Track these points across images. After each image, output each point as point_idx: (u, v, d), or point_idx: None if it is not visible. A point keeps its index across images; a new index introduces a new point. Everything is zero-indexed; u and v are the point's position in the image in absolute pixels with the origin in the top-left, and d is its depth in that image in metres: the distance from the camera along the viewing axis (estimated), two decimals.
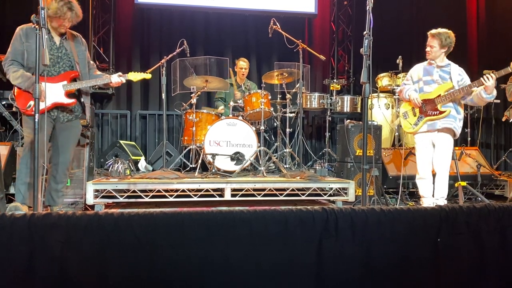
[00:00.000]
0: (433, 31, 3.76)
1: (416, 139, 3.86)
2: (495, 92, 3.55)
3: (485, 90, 3.51)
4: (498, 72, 3.51)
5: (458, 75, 3.70)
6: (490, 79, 3.45)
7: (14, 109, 3.21)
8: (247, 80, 5.93)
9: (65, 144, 3.37)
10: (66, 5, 3.12)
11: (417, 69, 3.89)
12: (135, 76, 3.56)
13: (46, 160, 3.22)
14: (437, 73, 3.75)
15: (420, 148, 3.81)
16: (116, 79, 3.43)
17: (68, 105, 3.29)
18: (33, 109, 3.08)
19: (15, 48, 3.14)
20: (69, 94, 3.25)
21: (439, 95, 3.67)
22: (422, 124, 3.76)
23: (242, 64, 5.80)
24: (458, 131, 3.73)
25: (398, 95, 4.05)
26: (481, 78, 3.49)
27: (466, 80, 3.69)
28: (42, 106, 3.11)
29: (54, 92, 3.18)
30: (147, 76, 3.66)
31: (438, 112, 3.68)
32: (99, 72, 3.55)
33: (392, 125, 5.50)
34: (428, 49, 3.77)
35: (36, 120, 2.54)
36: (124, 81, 3.47)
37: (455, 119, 3.68)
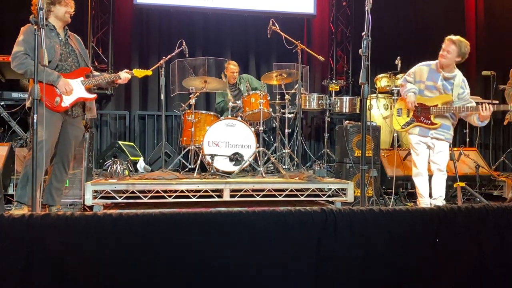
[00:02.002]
0: (454, 37, 3.62)
1: (411, 138, 3.87)
2: (487, 121, 3.63)
3: (479, 118, 3.58)
4: (497, 106, 3.62)
5: (460, 88, 3.70)
6: (487, 110, 3.49)
7: (28, 104, 3.13)
8: (239, 77, 5.89)
9: (71, 142, 3.39)
10: None
11: (422, 70, 3.78)
12: (140, 73, 3.78)
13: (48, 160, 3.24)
14: (441, 81, 3.69)
15: (415, 146, 3.82)
16: (124, 75, 3.56)
17: (91, 100, 3.39)
18: (61, 105, 3.15)
19: (28, 42, 3.03)
20: (88, 89, 3.35)
21: (436, 105, 3.70)
22: (411, 127, 3.81)
23: (233, 68, 5.76)
24: (450, 139, 3.77)
25: (399, 89, 4.07)
26: (479, 107, 3.53)
27: (467, 93, 3.72)
28: (67, 102, 3.22)
29: (76, 88, 3.27)
30: (149, 72, 3.90)
31: (430, 122, 3.72)
32: (96, 73, 3.58)
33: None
34: (444, 53, 3.62)
35: (35, 120, 2.54)
36: (129, 77, 3.62)
37: (448, 130, 3.73)
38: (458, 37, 3.63)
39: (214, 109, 6.11)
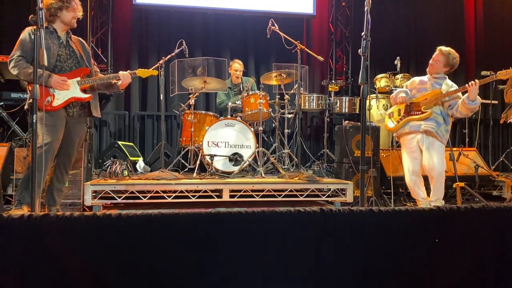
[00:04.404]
0: (444, 48, 3.78)
1: (402, 141, 3.87)
2: (479, 99, 3.60)
3: (468, 97, 3.55)
4: (483, 79, 3.61)
5: (451, 86, 3.75)
6: (473, 85, 3.51)
7: (26, 106, 3.20)
8: (243, 78, 5.91)
9: (74, 142, 3.38)
10: None
11: (414, 80, 3.97)
12: (144, 73, 3.69)
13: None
14: (430, 82, 3.81)
15: (406, 150, 3.82)
16: (125, 74, 3.50)
17: (85, 100, 3.35)
18: (52, 104, 3.14)
19: (24, 46, 3.12)
20: (84, 90, 3.32)
21: (426, 99, 3.73)
22: (403, 123, 3.79)
23: (237, 66, 5.76)
24: (442, 138, 3.68)
25: (391, 101, 4.09)
26: (466, 84, 3.56)
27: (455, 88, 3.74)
28: (58, 102, 3.20)
29: (71, 88, 3.25)
30: (154, 72, 3.80)
31: (420, 112, 3.72)
32: (101, 75, 3.57)
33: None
34: (433, 62, 3.79)
35: (35, 121, 2.54)
36: (130, 76, 3.56)
37: (438, 125, 3.66)
38: (448, 48, 3.78)
39: (215, 108, 6.12)
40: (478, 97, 3.58)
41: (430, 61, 3.82)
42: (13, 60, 3.11)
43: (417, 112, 3.73)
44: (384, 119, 4.76)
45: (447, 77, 3.83)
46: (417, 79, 3.95)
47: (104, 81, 3.45)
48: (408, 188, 3.88)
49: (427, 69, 3.86)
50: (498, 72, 3.59)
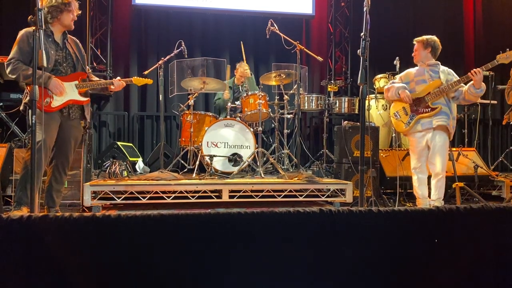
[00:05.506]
0: (417, 38, 3.90)
1: (411, 138, 3.86)
2: (484, 86, 3.60)
3: (474, 85, 3.56)
4: (485, 65, 3.57)
5: (448, 75, 3.75)
6: (477, 74, 3.51)
7: (22, 106, 3.21)
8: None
9: (70, 143, 3.39)
10: None
11: (409, 72, 3.92)
12: (139, 81, 3.78)
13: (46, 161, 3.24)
14: (427, 72, 3.78)
15: (414, 148, 3.82)
16: (118, 83, 3.52)
17: (82, 103, 3.38)
18: (51, 105, 3.15)
19: (22, 49, 3.12)
20: (81, 93, 3.36)
21: (429, 93, 3.71)
22: (414, 123, 3.77)
23: (242, 72, 5.77)
24: (452, 129, 3.74)
25: (385, 95, 4.01)
26: (469, 73, 3.55)
27: (455, 78, 3.73)
28: (57, 103, 3.22)
29: (69, 91, 3.28)
30: (149, 81, 3.90)
31: (430, 109, 3.70)
32: (95, 78, 3.59)
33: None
34: (414, 54, 3.90)
35: (34, 121, 2.54)
36: (124, 84, 3.58)
37: (447, 116, 3.69)
38: (421, 37, 3.88)
39: (214, 108, 6.12)
40: (483, 83, 3.58)
41: (413, 54, 3.90)
42: (11, 63, 3.12)
43: (426, 110, 3.71)
44: (387, 121, 4.76)
45: (439, 63, 3.81)
46: (412, 70, 3.89)
47: (99, 86, 3.49)
48: (413, 182, 3.89)
49: (414, 61, 3.90)
50: (498, 56, 3.57)
